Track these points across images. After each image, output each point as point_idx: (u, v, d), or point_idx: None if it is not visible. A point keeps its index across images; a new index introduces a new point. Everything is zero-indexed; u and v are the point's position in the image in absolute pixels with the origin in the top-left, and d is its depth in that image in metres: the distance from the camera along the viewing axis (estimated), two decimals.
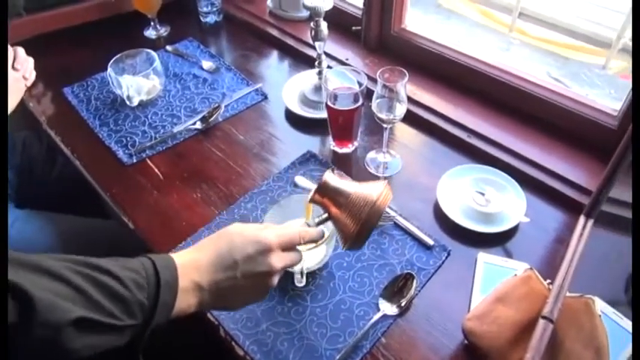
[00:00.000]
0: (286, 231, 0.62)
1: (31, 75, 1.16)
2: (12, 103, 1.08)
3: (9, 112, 1.06)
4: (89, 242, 1.08)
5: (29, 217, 1.07)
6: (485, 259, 0.81)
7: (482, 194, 0.89)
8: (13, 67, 1.10)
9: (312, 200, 0.66)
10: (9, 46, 1.11)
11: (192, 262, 0.56)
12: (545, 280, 0.71)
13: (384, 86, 0.86)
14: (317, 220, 0.66)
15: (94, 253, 1.09)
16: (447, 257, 0.82)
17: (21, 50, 1.16)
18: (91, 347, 0.48)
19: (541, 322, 0.66)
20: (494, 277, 0.78)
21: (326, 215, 0.66)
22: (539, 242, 0.85)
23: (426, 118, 1.05)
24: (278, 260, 0.59)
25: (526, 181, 0.92)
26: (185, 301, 0.55)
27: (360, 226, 0.61)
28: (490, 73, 1.06)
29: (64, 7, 1.34)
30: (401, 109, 0.88)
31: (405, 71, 0.86)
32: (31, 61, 1.16)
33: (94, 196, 0.99)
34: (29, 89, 1.17)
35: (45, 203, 1.15)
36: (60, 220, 1.09)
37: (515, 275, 0.73)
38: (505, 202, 0.87)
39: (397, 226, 0.86)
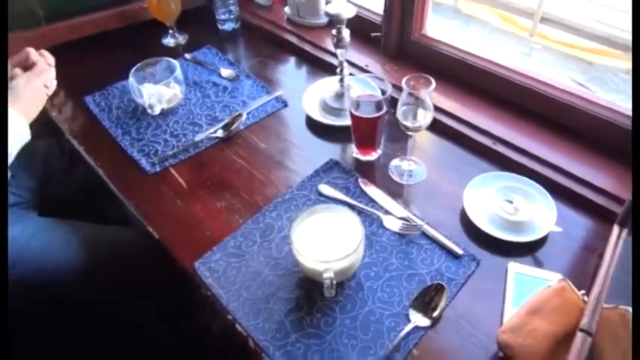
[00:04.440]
0: None
1: (52, 84, 1.16)
2: (34, 112, 1.07)
3: (31, 121, 1.06)
4: (112, 250, 1.08)
5: (53, 225, 1.07)
6: (516, 269, 0.79)
7: (511, 202, 0.88)
8: (27, 67, 1.09)
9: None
10: (31, 49, 1.11)
11: None
12: (579, 290, 0.70)
13: (410, 94, 0.85)
14: None
15: (118, 261, 1.10)
16: (476, 267, 0.81)
17: (47, 53, 1.15)
18: None
19: (579, 335, 0.64)
20: (526, 287, 0.76)
21: None
22: (570, 251, 0.84)
23: (450, 125, 1.04)
24: None
25: (554, 189, 0.90)
26: None
27: None
28: (513, 78, 1.05)
29: (82, 17, 1.34)
30: (427, 117, 0.87)
31: (432, 79, 0.85)
32: (52, 70, 1.16)
33: (115, 205, 0.99)
34: (50, 98, 1.17)
35: (66, 212, 1.16)
36: (83, 228, 1.09)
37: (549, 286, 0.72)
38: (535, 211, 0.86)
39: (424, 235, 0.85)
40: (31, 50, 1.10)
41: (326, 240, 0.76)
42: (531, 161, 0.95)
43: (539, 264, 0.81)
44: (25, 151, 1.03)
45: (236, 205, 0.93)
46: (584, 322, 0.65)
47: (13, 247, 1.01)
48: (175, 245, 0.87)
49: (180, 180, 0.98)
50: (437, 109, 1.06)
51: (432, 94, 0.85)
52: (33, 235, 1.03)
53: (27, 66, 1.09)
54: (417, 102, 0.86)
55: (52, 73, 1.15)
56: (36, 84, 1.08)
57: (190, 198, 0.95)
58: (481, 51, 1.10)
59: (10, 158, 0.98)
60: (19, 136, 1.01)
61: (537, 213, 0.86)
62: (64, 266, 1.04)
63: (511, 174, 0.93)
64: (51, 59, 1.14)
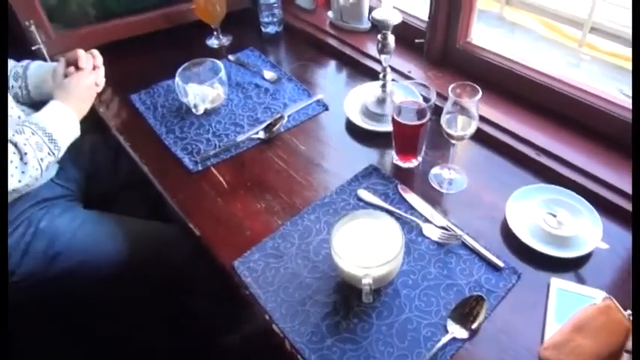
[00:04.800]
0: None
1: (101, 82, 1.20)
2: (85, 108, 1.12)
3: (81, 117, 1.10)
4: (154, 246, 1.11)
5: (98, 218, 1.11)
6: (559, 284, 0.78)
7: (554, 216, 0.86)
8: (77, 68, 1.13)
9: None
10: (81, 51, 1.15)
11: None
12: (624, 309, 0.68)
13: (455, 102, 0.84)
14: None
15: (160, 256, 1.12)
16: (517, 280, 0.79)
17: (97, 53, 1.20)
18: None
19: (625, 356, 0.63)
20: (569, 304, 0.74)
21: None
22: (615, 268, 0.81)
23: (492, 135, 1.02)
24: None
25: (600, 203, 0.88)
26: None
27: None
28: (559, 88, 1.03)
29: (131, 17, 1.39)
30: (472, 126, 0.86)
31: (478, 87, 0.84)
32: (101, 69, 1.20)
33: (158, 201, 1.02)
34: (99, 95, 1.21)
35: (110, 205, 1.19)
36: (126, 223, 1.12)
37: (594, 304, 0.70)
38: (579, 226, 0.84)
39: (464, 245, 0.84)
40: (81, 51, 1.14)
41: (366, 245, 0.76)
42: (577, 174, 0.93)
43: (582, 280, 0.79)
44: (74, 145, 1.07)
45: (275, 206, 0.94)
46: (630, 343, 0.63)
47: (59, 238, 1.05)
48: (215, 243, 0.88)
49: (222, 179, 1.00)
50: (480, 117, 1.04)
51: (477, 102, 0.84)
52: (79, 228, 1.07)
53: (78, 64, 1.13)
54: (462, 110, 0.86)
55: (102, 71, 1.19)
56: (87, 82, 1.12)
57: (231, 197, 0.96)
58: (527, 60, 1.08)
59: (60, 152, 1.02)
60: (70, 131, 1.05)
61: (582, 228, 0.84)
62: (106, 259, 1.08)
63: (555, 186, 0.91)
64: (100, 59, 1.18)
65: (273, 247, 0.86)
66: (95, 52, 1.19)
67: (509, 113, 1.06)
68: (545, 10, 2.59)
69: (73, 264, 1.06)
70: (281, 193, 0.96)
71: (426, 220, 0.89)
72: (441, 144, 1.01)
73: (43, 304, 1.20)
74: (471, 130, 0.86)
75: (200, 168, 1.02)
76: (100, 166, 1.27)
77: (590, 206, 0.87)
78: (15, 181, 0.93)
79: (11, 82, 1.15)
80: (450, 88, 0.84)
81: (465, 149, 1.04)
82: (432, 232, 0.86)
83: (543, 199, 0.89)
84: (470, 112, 0.85)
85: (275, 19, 1.41)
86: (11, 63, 1.18)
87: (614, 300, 0.69)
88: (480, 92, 0.83)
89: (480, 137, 1.03)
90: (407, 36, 1.23)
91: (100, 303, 1.23)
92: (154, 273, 1.14)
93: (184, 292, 1.24)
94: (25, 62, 1.19)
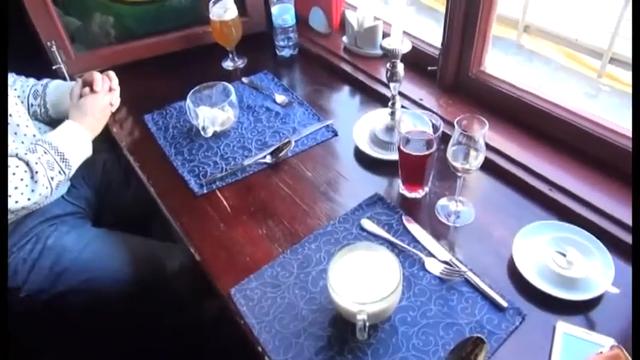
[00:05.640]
0: None
1: (116, 102, 1.23)
2: (98, 128, 1.14)
3: (94, 137, 1.12)
4: (160, 265, 1.11)
5: (105, 236, 1.12)
6: (566, 329, 0.74)
7: (564, 255, 0.82)
8: (92, 90, 1.16)
9: None
10: (97, 74, 1.18)
11: None
12: None
13: (462, 134, 0.82)
14: None
15: (164, 276, 1.13)
16: (521, 322, 0.76)
17: (113, 75, 1.22)
18: None
19: None
20: (575, 350, 0.71)
21: None
22: (626, 315, 0.77)
23: (503, 166, 0.99)
24: None
25: (613, 244, 0.84)
26: None
27: None
28: (575, 121, 1.00)
29: (151, 38, 1.42)
30: (478, 159, 0.84)
31: (485, 120, 0.82)
32: (117, 89, 1.22)
33: (163, 221, 1.02)
34: (113, 114, 1.24)
35: (119, 223, 1.21)
36: (133, 241, 1.13)
37: (601, 352, 0.67)
38: (590, 267, 0.80)
39: (467, 282, 0.82)
40: (97, 74, 1.17)
41: (363, 280, 0.74)
42: (590, 212, 0.89)
43: (591, 326, 0.75)
44: (86, 163, 1.09)
45: (277, 233, 0.93)
46: None
47: (66, 256, 1.06)
48: (215, 270, 0.88)
49: (226, 203, 1.00)
50: (491, 148, 1.02)
51: (486, 132, 0.82)
52: (86, 246, 1.08)
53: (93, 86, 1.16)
54: (469, 142, 0.84)
55: (117, 92, 1.22)
56: (102, 103, 1.14)
57: (234, 222, 0.96)
58: (542, 91, 1.06)
59: (71, 171, 1.04)
60: (82, 150, 1.07)
61: (593, 269, 0.80)
62: (110, 277, 1.09)
63: (567, 224, 0.87)
64: (115, 81, 1.21)
65: (272, 275, 0.85)
66: (111, 74, 1.22)
67: (522, 145, 1.03)
68: (564, 39, 2.53)
69: (78, 282, 1.08)
70: (284, 219, 0.96)
71: (429, 254, 0.86)
72: (448, 174, 0.99)
73: (48, 317, 1.21)
74: (477, 163, 0.84)
75: (205, 191, 1.02)
76: (111, 182, 1.29)
77: (603, 246, 0.83)
78: (25, 199, 0.95)
79: (30, 99, 1.19)
80: (456, 120, 0.83)
81: (475, 180, 1.01)
82: (435, 267, 0.84)
83: (553, 236, 0.85)
84: (477, 144, 0.83)
85: (290, 43, 1.42)
86: (31, 81, 1.22)
87: (623, 349, 0.65)
88: (487, 125, 0.81)
89: (490, 168, 1.01)
90: (420, 62, 1.22)
91: (103, 318, 1.24)
92: (155, 292, 1.15)
93: (187, 313, 1.23)
94: (44, 81, 1.22)
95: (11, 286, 1.05)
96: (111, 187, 1.28)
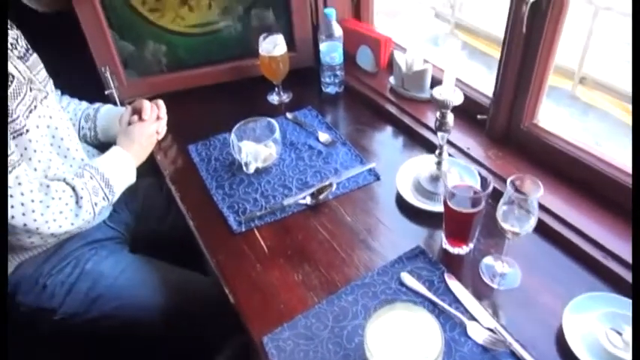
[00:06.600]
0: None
1: (163, 130, 1.25)
2: (144, 155, 1.16)
3: (139, 164, 1.14)
4: (189, 297, 1.11)
5: (140, 263, 1.13)
6: None
7: (620, 334, 0.76)
8: (140, 117, 1.18)
9: None
10: (147, 103, 1.20)
11: None
12: None
13: (514, 195, 0.79)
14: None
15: (193, 307, 1.12)
16: None
17: (162, 104, 1.25)
18: None
19: None
20: None
21: None
22: None
23: (555, 228, 0.94)
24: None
25: None
26: None
27: None
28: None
29: (200, 68, 1.44)
30: (530, 223, 0.80)
31: (540, 183, 0.78)
32: (164, 118, 1.24)
33: (199, 254, 1.02)
34: (159, 142, 1.26)
35: (156, 250, 1.21)
36: (167, 271, 1.13)
37: None
38: None
39: (512, 353, 0.77)
40: (146, 103, 1.20)
41: (401, 344, 0.71)
42: None
43: None
44: (128, 189, 1.11)
45: (313, 280, 0.91)
46: None
47: (101, 282, 1.07)
48: (249, 312, 0.86)
49: (263, 243, 0.98)
50: (542, 207, 0.97)
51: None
52: (121, 273, 1.09)
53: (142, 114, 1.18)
54: (521, 203, 0.80)
55: (164, 121, 1.24)
56: (149, 131, 1.17)
57: (270, 264, 0.94)
58: (600, 150, 1.01)
59: (115, 197, 1.05)
60: (126, 177, 1.08)
61: None
62: (141, 306, 1.09)
63: (624, 298, 0.82)
64: (163, 110, 1.24)
65: (306, 326, 0.82)
66: (160, 102, 1.24)
67: (575, 206, 0.98)
68: (621, 93, 2.42)
69: (110, 308, 1.08)
70: (321, 266, 0.93)
71: (472, 318, 0.82)
72: (495, 232, 0.94)
73: (77, 340, 1.22)
74: (528, 227, 0.80)
75: (243, 229, 1.01)
76: (151, 210, 1.30)
77: None
78: (68, 223, 0.96)
79: (82, 123, 1.22)
80: (508, 181, 0.79)
81: (524, 240, 0.96)
82: (478, 334, 0.79)
83: (609, 311, 0.80)
84: (529, 207, 0.79)
85: (336, 80, 1.42)
86: (84, 105, 1.25)
87: None
88: (542, 189, 0.78)
89: (541, 230, 0.95)
90: (469, 110, 1.19)
91: (135, 344, 1.24)
92: (185, 323, 1.14)
93: (214, 346, 1.22)
94: (96, 105, 1.26)
95: (47, 307, 1.06)
96: (151, 213, 1.29)
